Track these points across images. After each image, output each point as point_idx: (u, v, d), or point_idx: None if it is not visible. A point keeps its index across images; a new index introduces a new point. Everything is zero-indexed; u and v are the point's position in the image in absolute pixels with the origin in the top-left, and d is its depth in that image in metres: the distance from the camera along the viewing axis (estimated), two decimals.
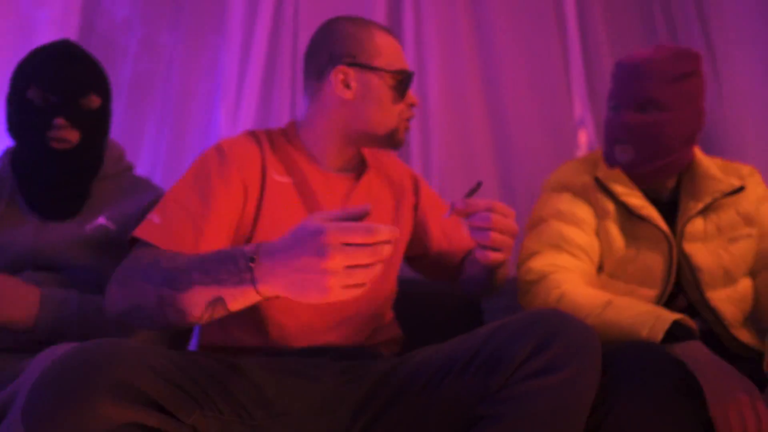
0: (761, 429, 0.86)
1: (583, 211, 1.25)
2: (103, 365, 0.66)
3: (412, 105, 1.13)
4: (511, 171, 1.98)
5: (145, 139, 1.95)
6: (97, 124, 1.20)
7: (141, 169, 1.91)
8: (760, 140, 2.15)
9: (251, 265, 0.73)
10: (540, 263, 1.19)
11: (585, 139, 2.05)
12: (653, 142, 1.19)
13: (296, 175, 1.09)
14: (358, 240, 0.67)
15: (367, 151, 1.22)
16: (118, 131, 1.90)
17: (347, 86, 1.09)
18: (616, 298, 1.06)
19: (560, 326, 0.76)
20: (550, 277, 1.15)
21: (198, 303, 0.77)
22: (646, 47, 1.24)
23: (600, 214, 1.25)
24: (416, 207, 1.26)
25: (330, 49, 1.10)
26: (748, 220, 1.22)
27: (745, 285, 1.23)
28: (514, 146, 1.99)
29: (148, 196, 1.25)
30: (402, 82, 1.10)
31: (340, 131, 1.12)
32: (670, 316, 0.96)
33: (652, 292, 1.19)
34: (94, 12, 1.99)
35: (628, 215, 1.23)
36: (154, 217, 0.95)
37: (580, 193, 1.28)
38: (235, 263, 0.75)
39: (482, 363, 0.78)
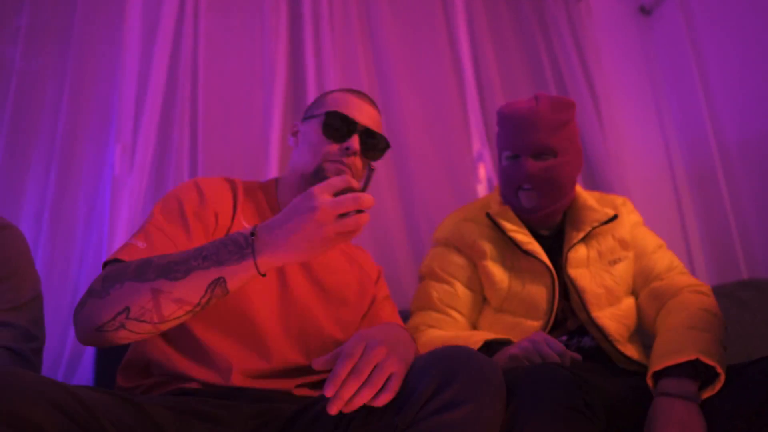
0: None
1: (452, 265, 1.39)
2: None
3: (347, 149, 1.12)
4: (414, 207, 2.03)
5: (28, 182, 1.81)
6: None
7: (26, 207, 1.77)
8: (637, 169, 2.37)
9: (251, 239, 0.81)
10: (412, 323, 1.36)
11: (484, 174, 2.15)
12: (553, 186, 1.32)
13: None
14: (350, 208, 0.79)
15: None
16: None
17: (295, 136, 1.23)
18: (449, 335, 1.25)
19: (463, 361, 0.78)
20: (415, 336, 1.30)
21: (198, 287, 0.82)
22: (525, 99, 1.37)
23: (478, 257, 1.37)
24: (374, 299, 1.29)
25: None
26: (624, 244, 1.36)
27: (628, 303, 1.34)
28: (416, 183, 2.04)
29: None
30: (329, 121, 1.13)
31: (294, 180, 1.18)
32: (479, 337, 1.16)
33: (538, 323, 1.28)
34: None
35: (513, 250, 1.35)
36: (138, 242, 0.96)
37: (453, 244, 1.42)
38: (235, 242, 0.82)
39: (391, 403, 0.78)
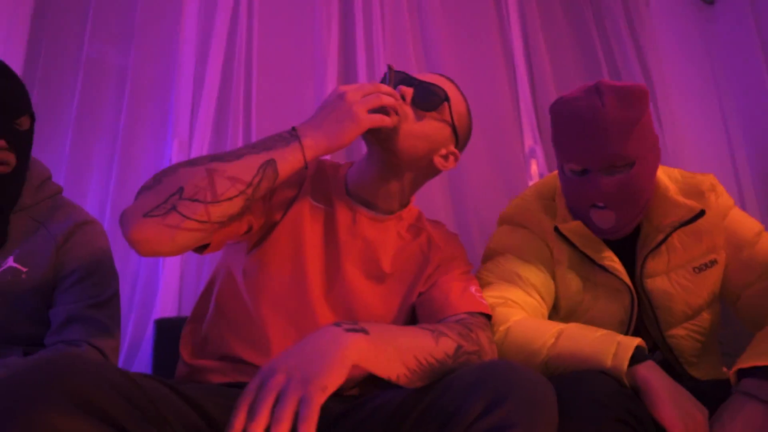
0: None
1: (539, 251, 1.21)
2: (61, 376, 0.63)
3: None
4: (464, 204, 2.02)
5: (93, 171, 1.89)
6: (28, 146, 1.10)
7: (90, 202, 1.85)
8: (698, 157, 2.28)
9: (293, 131, 0.92)
10: (491, 294, 1.14)
11: (536, 170, 2.11)
12: (632, 200, 1.11)
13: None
14: (371, 91, 0.95)
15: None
16: (64, 162, 1.86)
17: None
18: (566, 326, 1.03)
19: (514, 381, 0.74)
20: (497, 310, 1.09)
21: (251, 167, 0.87)
22: (584, 90, 1.11)
23: (557, 258, 1.20)
24: (433, 281, 1.14)
25: None
26: (713, 246, 1.17)
27: (707, 317, 1.20)
28: (466, 181, 2.03)
29: (62, 226, 1.12)
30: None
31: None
32: (630, 342, 0.94)
33: None
34: (42, 33, 1.94)
35: (588, 261, 1.18)
36: None
37: (537, 233, 1.23)
38: (280, 135, 0.92)
39: (435, 417, 0.76)
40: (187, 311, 1.78)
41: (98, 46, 1.98)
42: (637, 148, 1.08)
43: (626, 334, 1.13)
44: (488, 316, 1.05)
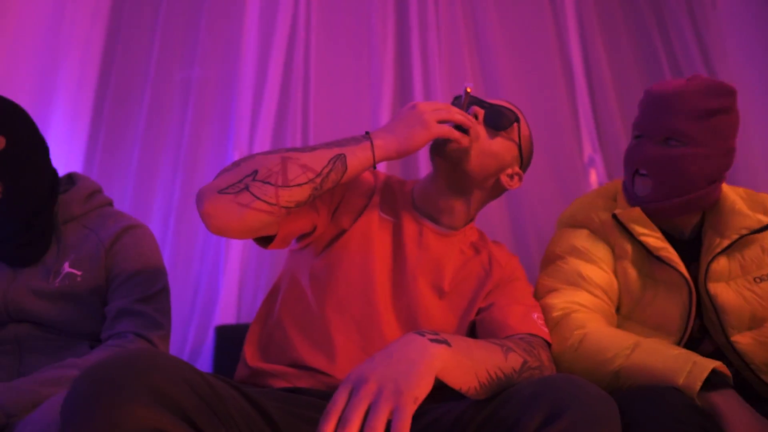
0: None
1: (600, 250, 1.20)
2: (143, 370, 0.67)
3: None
4: (521, 213, 1.99)
5: (159, 182, 1.97)
6: (13, 168, 1.08)
7: (155, 211, 1.93)
8: (766, 171, 2.15)
9: (365, 134, 0.97)
10: (561, 300, 1.13)
11: (595, 180, 2.06)
12: (674, 178, 1.14)
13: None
14: (443, 108, 1.00)
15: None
16: (132, 173, 1.95)
17: None
18: (643, 339, 1.01)
19: (573, 395, 0.72)
20: (572, 316, 1.08)
21: (322, 158, 0.92)
22: (680, 78, 1.18)
23: (618, 254, 1.20)
24: (492, 301, 1.13)
25: None
26: None
27: None
28: (523, 191, 1.99)
29: (110, 231, 1.18)
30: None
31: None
32: (708, 363, 0.90)
33: (668, 339, 1.12)
34: (114, 52, 2.07)
35: (646, 255, 1.18)
36: None
37: (598, 231, 1.23)
38: (353, 137, 0.97)
39: (494, 429, 0.75)
40: (246, 318, 1.82)
41: (165, 63, 2.08)
42: (701, 134, 1.11)
43: (686, 332, 1.11)
44: (548, 343, 1.05)
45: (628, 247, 1.19)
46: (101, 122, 2.03)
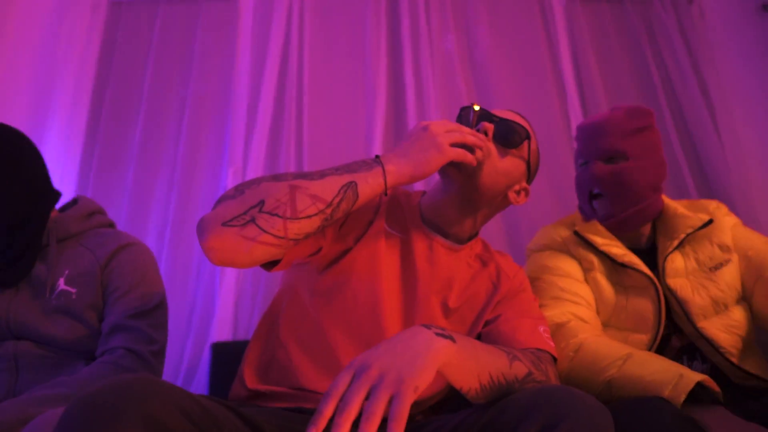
0: None
1: (567, 264, 1.30)
2: (136, 398, 0.66)
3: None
4: (518, 230, 1.99)
5: (154, 199, 1.98)
6: None
7: (150, 229, 1.93)
8: (762, 183, 2.17)
9: (377, 158, 0.93)
10: (553, 312, 1.19)
11: None
12: (625, 190, 1.27)
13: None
14: (454, 129, 0.98)
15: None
16: (128, 191, 1.96)
17: None
18: (636, 351, 1.05)
19: (570, 406, 0.72)
20: (568, 326, 1.15)
21: (333, 187, 0.87)
22: (607, 110, 1.36)
23: (586, 267, 1.30)
24: (498, 314, 1.13)
25: None
26: (725, 248, 1.28)
27: (740, 313, 1.24)
28: (520, 206, 1.98)
29: (106, 249, 1.19)
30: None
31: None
32: (694, 377, 0.93)
33: (645, 337, 1.21)
34: (109, 70, 2.09)
35: (612, 265, 1.28)
36: None
37: (561, 248, 1.34)
38: (364, 161, 0.92)
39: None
40: (242, 335, 1.81)
41: (159, 82, 2.09)
42: (634, 149, 1.27)
43: (659, 327, 1.20)
44: (554, 358, 1.04)
45: (594, 259, 1.30)
46: (96, 140, 2.04)
